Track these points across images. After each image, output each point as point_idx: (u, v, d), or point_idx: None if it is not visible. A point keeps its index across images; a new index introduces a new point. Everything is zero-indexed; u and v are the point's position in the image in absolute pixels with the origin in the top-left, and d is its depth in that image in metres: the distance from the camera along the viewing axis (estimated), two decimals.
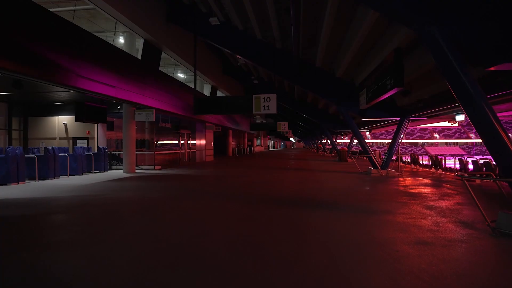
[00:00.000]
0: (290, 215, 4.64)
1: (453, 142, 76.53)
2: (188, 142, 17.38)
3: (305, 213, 4.78)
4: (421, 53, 6.59)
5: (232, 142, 29.55)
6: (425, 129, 77.88)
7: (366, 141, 11.94)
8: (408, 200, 5.86)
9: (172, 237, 3.57)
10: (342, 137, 44.39)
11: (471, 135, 75.35)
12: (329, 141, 36.93)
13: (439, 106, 7.77)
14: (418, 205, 5.32)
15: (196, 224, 4.14)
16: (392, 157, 10.97)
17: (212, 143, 21.95)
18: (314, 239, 3.49)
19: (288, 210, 5.03)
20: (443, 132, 78.12)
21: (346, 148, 20.06)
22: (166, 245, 3.27)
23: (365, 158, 21.05)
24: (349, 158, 19.97)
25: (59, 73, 7.19)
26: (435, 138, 77.36)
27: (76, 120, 9.52)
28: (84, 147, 11.25)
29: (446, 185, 8.00)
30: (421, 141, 77.38)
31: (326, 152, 30.91)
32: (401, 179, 9.52)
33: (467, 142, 75.06)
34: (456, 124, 76.66)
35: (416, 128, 77.25)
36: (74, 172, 10.65)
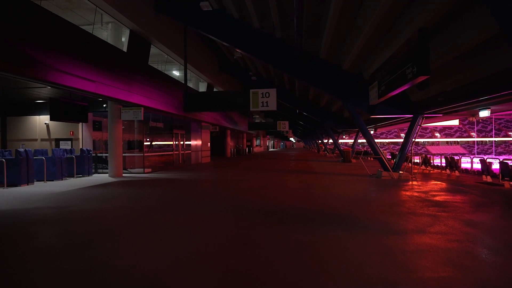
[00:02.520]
0: (296, 237, 3.60)
1: (454, 141, 75.89)
2: (182, 142, 16.33)
3: (316, 232, 3.74)
4: (449, 34, 5.56)
5: (230, 143, 28.52)
6: (425, 128, 77.22)
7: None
8: (437, 212, 4.83)
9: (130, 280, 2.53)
10: (343, 137, 43.41)
11: (472, 134, 74.59)
12: (330, 141, 35.94)
13: (464, 100, 6.74)
14: (454, 220, 4.29)
15: (172, 252, 3.10)
16: (405, 158, 9.94)
17: (209, 143, 20.90)
18: (333, 280, 2.46)
19: (293, 228, 3.99)
20: (444, 131, 77.47)
21: (349, 148, 19.05)
22: None
23: (370, 158, 20.05)
24: (353, 158, 18.96)
25: (23, 64, 6.15)
26: (436, 137, 76.70)
27: (51, 119, 8.45)
28: (63, 149, 10.20)
29: (472, 191, 6.97)
30: (422, 140, 76.89)
31: (328, 152, 29.88)
32: (416, 182, 8.50)
33: (468, 141, 74.42)
34: (456, 123, 75.90)
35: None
36: (52, 177, 9.60)
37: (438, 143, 76.54)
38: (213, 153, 27.10)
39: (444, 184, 8.17)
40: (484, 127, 74.65)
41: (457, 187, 7.58)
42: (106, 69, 8.94)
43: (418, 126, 9.70)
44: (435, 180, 9.08)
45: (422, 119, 9.64)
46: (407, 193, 6.75)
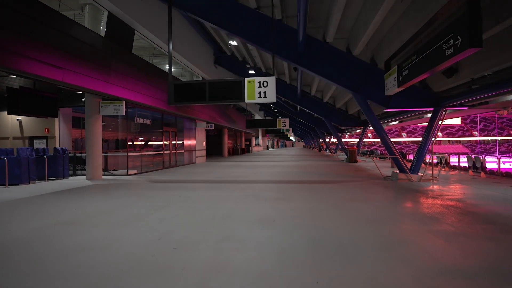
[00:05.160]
0: (315, 280, 2.31)
1: (456, 140, 74.99)
2: (174, 142, 15.02)
3: (340, 269, 2.45)
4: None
5: (227, 142, 27.23)
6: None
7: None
8: (499, 232, 3.54)
9: None
10: (345, 136, 42.20)
11: (474, 133, 73.43)
12: (332, 140, 34.66)
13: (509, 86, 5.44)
14: None
15: None
16: (424, 158, 8.66)
17: (204, 142, 19.60)
18: None
19: (302, 262, 2.70)
20: (446, 130, 76.40)
21: (354, 147, 17.76)
22: None
23: (376, 158, 18.78)
24: (358, 158, 17.68)
25: None
26: (438, 136, 75.59)
27: (9, 112, 7.18)
28: (31, 148, 8.86)
29: None
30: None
31: (331, 152, 28.63)
32: (440, 187, 7.20)
33: (470, 140, 73.50)
34: (458, 122, 74.67)
35: (418, 126, 75.44)
36: (17, 181, 8.28)
37: (440, 142, 75.60)
38: (209, 152, 25.82)
39: (475, 189, 6.87)
40: (486, 126, 73.71)
41: (496, 194, 6.28)
42: (77, 55, 7.64)
43: (440, 121, 8.42)
44: (461, 184, 7.78)
45: (445, 113, 8.36)
46: (438, 201, 5.46)
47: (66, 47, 7.26)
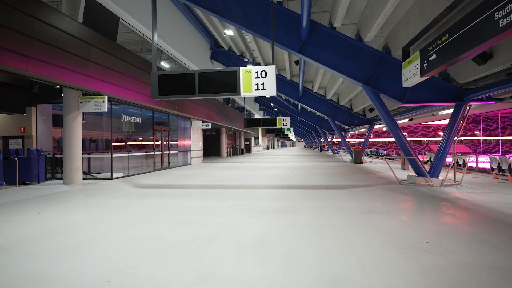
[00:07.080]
0: None
1: (458, 140, 74.18)
2: (167, 142, 13.97)
3: None
4: None
5: (226, 142, 26.18)
6: (428, 126, 75.68)
7: (394, 138, 8.44)
8: None
9: None
10: (348, 135, 41.25)
11: (476, 132, 72.43)
12: (334, 140, 33.61)
13: None
14: None
15: None
16: (445, 160, 7.62)
17: (201, 142, 18.56)
18: None
19: None
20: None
21: (359, 147, 16.71)
22: None
23: (383, 159, 17.75)
24: (363, 159, 16.64)
25: None
26: (439, 136, 74.92)
27: None
28: None
29: None
30: (424, 139, 75.64)
31: (333, 152, 27.62)
32: (468, 194, 6.16)
33: (472, 140, 72.65)
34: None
35: (419, 126, 74.61)
36: None
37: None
38: (207, 153, 24.79)
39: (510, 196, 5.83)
40: (488, 125, 72.83)
41: None
42: (47, 41, 6.60)
43: (463, 118, 7.38)
44: (491, 189, 6.73)
45: (469, 108, 7.31)
46: (478, 215, 4.40)
47: (31, 32, 6.22)
